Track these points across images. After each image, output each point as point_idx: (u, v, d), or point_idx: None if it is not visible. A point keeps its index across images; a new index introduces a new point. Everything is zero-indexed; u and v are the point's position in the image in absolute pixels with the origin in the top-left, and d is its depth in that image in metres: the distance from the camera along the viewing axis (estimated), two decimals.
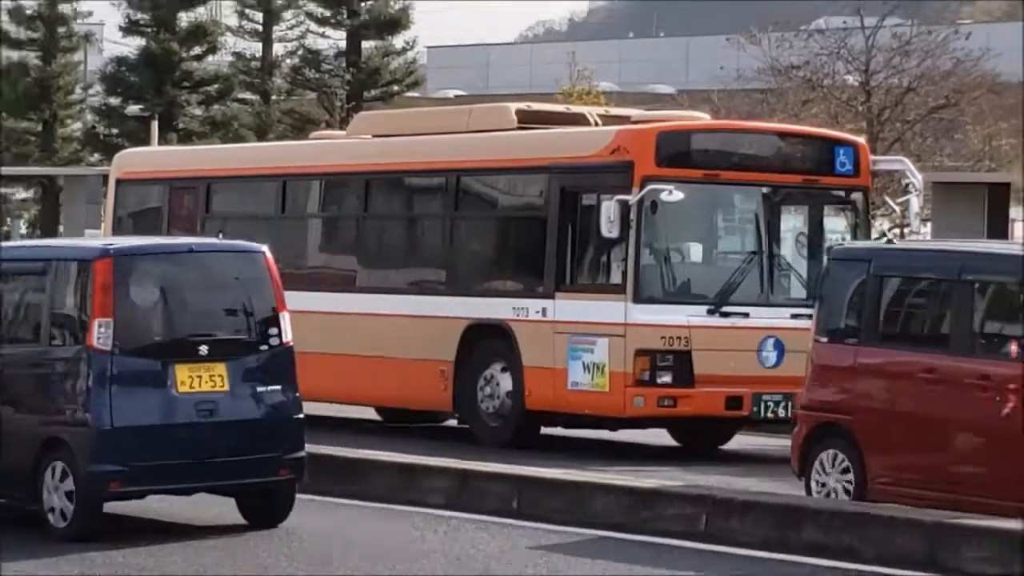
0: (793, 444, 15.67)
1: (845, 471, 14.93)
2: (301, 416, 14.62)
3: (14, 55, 77.09)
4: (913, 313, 15.44)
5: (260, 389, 14.39)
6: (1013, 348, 13.94)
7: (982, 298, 14.64)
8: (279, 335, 14.52)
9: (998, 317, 14.69)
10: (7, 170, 73.13)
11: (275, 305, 14.62)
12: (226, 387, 14.20)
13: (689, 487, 15.13)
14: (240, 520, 14.67)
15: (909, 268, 15.53)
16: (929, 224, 35.29)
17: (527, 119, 21.98)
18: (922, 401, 14.53)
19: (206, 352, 14.16)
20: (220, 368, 14.19)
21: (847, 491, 14.83)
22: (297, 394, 14.67)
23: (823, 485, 15.10)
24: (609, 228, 19.24)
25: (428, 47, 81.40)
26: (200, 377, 14.10)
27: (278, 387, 14.47)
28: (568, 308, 19.89)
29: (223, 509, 14.80)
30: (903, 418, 14.64)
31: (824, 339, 15.59)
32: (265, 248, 15.04)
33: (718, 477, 17.10)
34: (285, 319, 14.61)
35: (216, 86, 72.88)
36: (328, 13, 71.89)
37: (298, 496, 14.74)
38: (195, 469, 14.06)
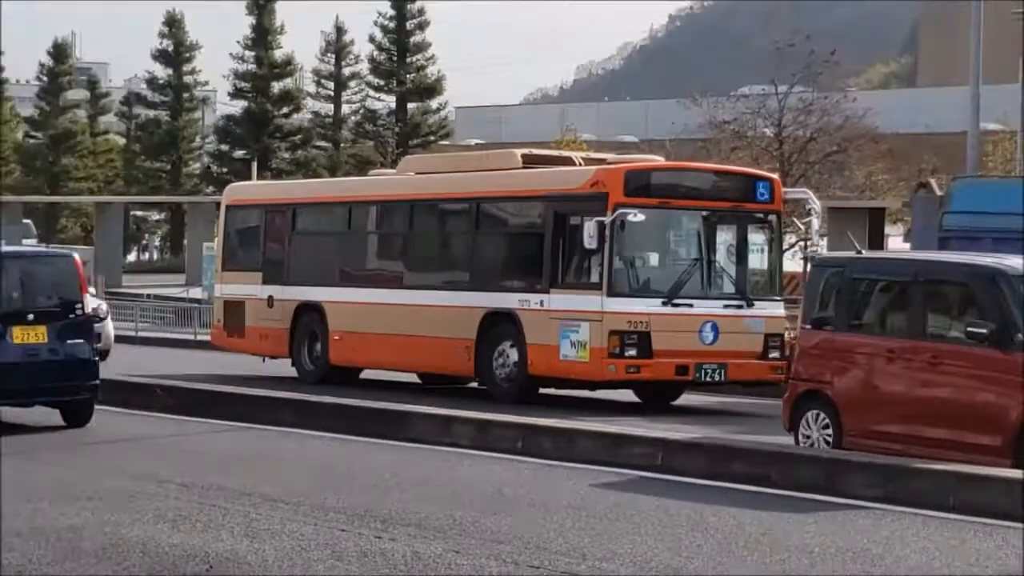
0: (784, 405, 15.24)
1: (825, 427, 14.58)
2: (96, 359, 17.06)
3: (150, 113, 77.17)
4: (877, 306, 15.04)
5: (68, 342, 16.71)
6: None
7: (931, 294, 14.32)
8: (81, 309, 16.83)
9: (943, 309, 14.47)
10: (145, 198, 73.12)
11: (79, 290, 16.93)
12: (45, 340, 16.57)
13: (648, 432, 15.10)
14: (61, 423, 17.00)
15: (874, 272, 15.20)
16: (826, 238, 35.25)
17: (530, 161, 21.95)
18: (884, 374, 14.23)
19: (32, 319, 16.54)
20: (42, 329, 16.56)
21: (827, 442, 14.45)
22: (95, 345, 17.23)
23: (808, 437, 14.71)
24: (590, 241, 19.23)
25: (456, 107, 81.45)
26: (28, 334, 16.50)
27: (80, 341, 16.79)
28: (560, 300, 19.87)
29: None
30: (870, 387, 14.32)
31: (808, 326, 15.21)
32: (76, 253, 18.03)
33: (670, 424, 17.08)
34: (86, 298, 17.04)
35: (299, 136, 73.07)
36: (382, 82, 72.05)
37: (352, 439, 14.73)
38: (27, 391, 16.52)
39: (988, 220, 21.55)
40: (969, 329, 13.56)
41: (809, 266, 16.64)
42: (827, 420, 14.61)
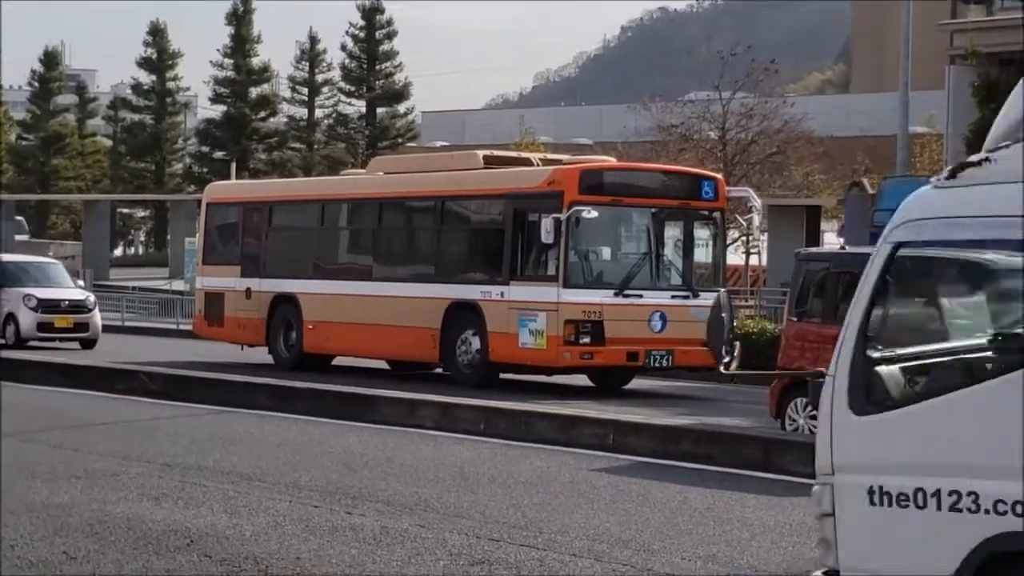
0: (771, 394, 14.98)
1: (811, 414, 14.23)
2: None
3: (135, 117, 76.78)
4: None
5: None
6: None
7: None
8: None
9: None
10: (131, 196, 72.72)
11: None
12: None
13: (600, 414, 15.15)
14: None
15: (859, 266, 14.74)
16: (766, 234, 35.38)
17: (491, 161, 21.96)
18: None
19: None
20: None
21: (811, 429, 14.06)
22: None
23: (794, 423, 14.53)
24: (547, 236, 19.25)
25: (423, 112, 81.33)
26: None
27: None
28: (519, 291, 19.89)
29: None
30: None
31: (794, 318, 14.98)
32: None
33: (620, 407, 17.11)
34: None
35: (275, 139, 72.80)
36: (353, 88, 71.85)
37: (325, 421, 14.72)
38: None
39: None
40: None
41: (795, 260, 16.07)
42: (812, 408, 14.29)
